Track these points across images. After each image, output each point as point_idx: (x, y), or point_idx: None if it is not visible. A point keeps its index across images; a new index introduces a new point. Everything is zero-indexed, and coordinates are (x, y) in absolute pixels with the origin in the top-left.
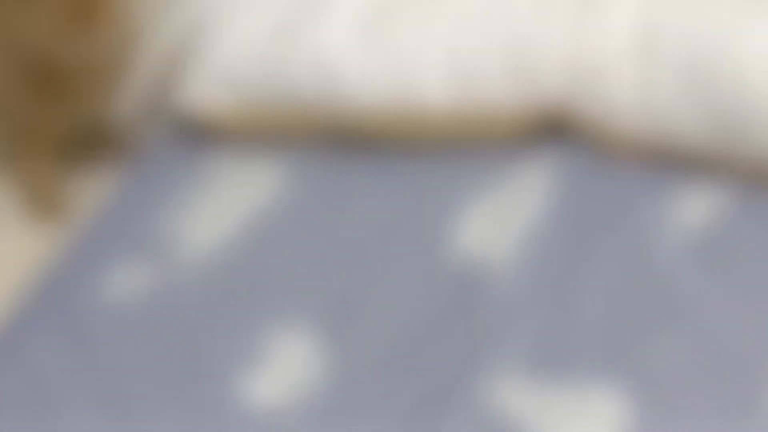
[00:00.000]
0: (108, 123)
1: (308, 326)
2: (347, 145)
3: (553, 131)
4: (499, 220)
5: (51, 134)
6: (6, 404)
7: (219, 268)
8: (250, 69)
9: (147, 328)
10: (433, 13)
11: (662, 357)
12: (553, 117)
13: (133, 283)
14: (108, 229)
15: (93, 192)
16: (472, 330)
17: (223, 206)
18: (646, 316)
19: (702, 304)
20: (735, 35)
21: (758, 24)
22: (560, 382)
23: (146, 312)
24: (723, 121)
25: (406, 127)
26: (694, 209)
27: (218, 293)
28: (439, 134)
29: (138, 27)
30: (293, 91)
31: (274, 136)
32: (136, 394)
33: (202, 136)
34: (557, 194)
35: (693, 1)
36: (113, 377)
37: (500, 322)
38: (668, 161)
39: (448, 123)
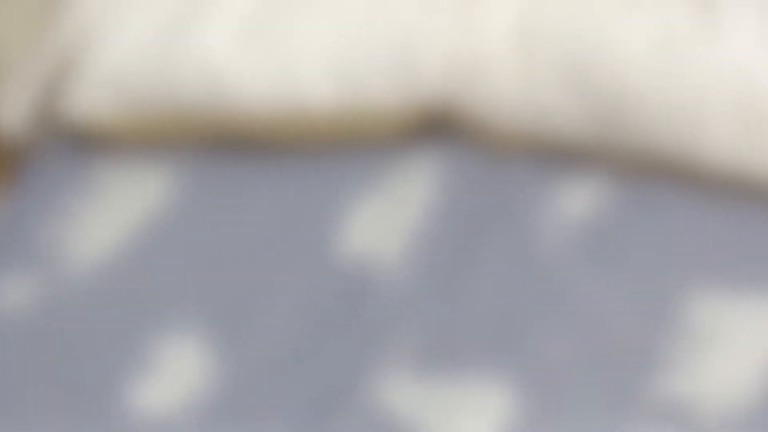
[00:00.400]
0: None
1: (197, 332)
2: (235, 148)
3: (437, 129)
4: (387, 220)
5: None
6: None
7: (107, 277)
8: (135, 74)
9: (34, 339)
10: (316, 14)
11: (547, 349)
12: (437, 115)
13: (20, 295)
14: None
15: None
16: (361, 331)
17: (112, 214)
18: (532, 309)
19: (586, 295)
20: (611, 30)
21: (633, 19)
22: (447, 379)
23: (33, 323)
24: (602, 114)
25: (291, 128)
26: (577, 201)
27: (107, 302)
28: (324, 135)
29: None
30: (178, 95)
31: (161, 141)
32: (24, 406)
33: (88, 144)
34: (443, 192)
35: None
36: (1, 387)
37: (388, 322)
38: (551, 155)
39: (333, 124)
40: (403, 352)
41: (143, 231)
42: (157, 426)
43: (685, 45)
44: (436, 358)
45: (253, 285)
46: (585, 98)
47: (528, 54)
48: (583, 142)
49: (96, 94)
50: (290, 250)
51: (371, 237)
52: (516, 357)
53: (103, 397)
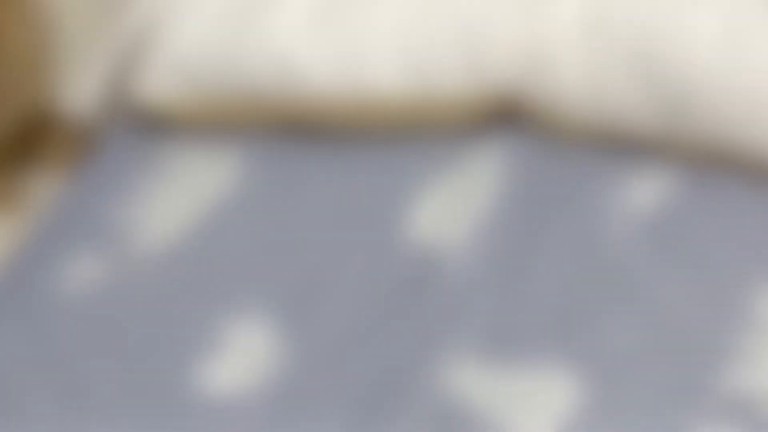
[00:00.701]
0: (62, 115)
1: (264, 314)
2: (302, 133)
3: (504, 117)
4: (452, 206)
5: None
6: None
7: (175, 258)
8: (205, 58)
9: (104, 319)
10: (385, 2)
11: (613, 339)
12: (505, 103)
13: (90, 276)
14: (64, 221)
15: (50, 185)
16: (426, 316)
17: (179, 196)
18: (597, 299)
19: (652, 286)
20: (678, 20)
21: (700, 9)
22: (513, 366)
23: (103, 304)
24: (670, 105)
25: (359, 114)
26: (643, 192)
27: (175, 283)
28: (392, 121)
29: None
30: (247, 80)
31: (230, 125)
32: (93, 386)
33: (158, 128)
34: (509, 180)
35: None
36: (71, 370)
37: (453, 308)
38: (618, 145)
39: (401, 110)
40: (466, 339)
41: (211, 213)
42: (223, 407)
43: (752, 35)
44: (500, 346)
45: (320, 268)
46: (652, 88)
47: (595, 43)
48: (650, 132)
49: (166, 78)
50: (357, 234)
51: (437, 223)
52: (581, 347)
53: (170, 378)
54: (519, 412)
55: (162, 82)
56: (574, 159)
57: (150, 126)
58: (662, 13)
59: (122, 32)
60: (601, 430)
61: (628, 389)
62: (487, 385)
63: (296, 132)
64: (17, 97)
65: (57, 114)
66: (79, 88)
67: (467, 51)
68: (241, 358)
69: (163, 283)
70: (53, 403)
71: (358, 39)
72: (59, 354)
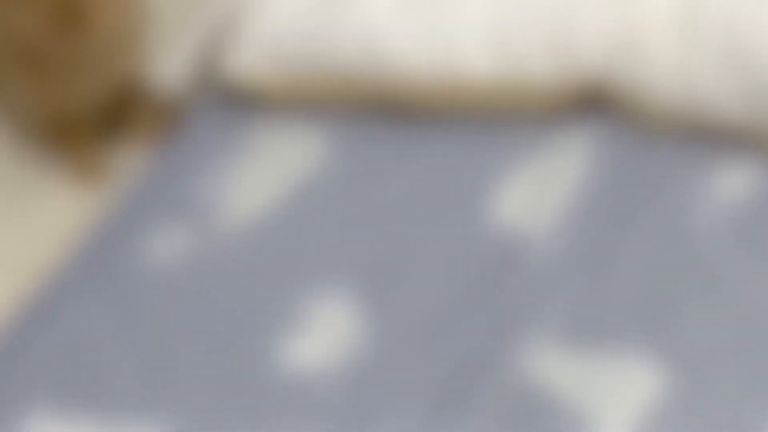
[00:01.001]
0: (151, 90)
1: (347, 293)
2: (388, 113)
3: (592, 105)
4: (537, 192)
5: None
6: (47, 369)
7: (260, 234)
8: (294, 37)
9: (188, 292)
10: None
11: (696, 330)
12: (593, 90)
13: (175, 248)
14: (150, 194)
15: (137, 158)
16: (509, 300)
17: (265, 173)
18: (682, 290)
19: (736, 279)
20: None
21: None
22: (595, 353)
23: (187, 277)
24: (760, 97)
25: (446, 96)
26: (731, 184)
27: (259, 259)
28: (479, 105)
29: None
30: (336, 59)
31: (317, 104)
32: (177, 358)
33: (245, 104)
34: (595, 167)
35: None
36: (154, 342)
37: (536, 294)
38: (707, 136)
39: (488, 94)
40: (549, 326)
41: (296, 191)
42: (305, 384)
43: None
44: (582, 334)
45: (402, 249)
46: (742, 80)
47: (686, 33)
48: (739, 124)
49: (255, 55)
50: (441, 217)
51: (522, 209)
52: (664, 338)
53: (251, 352)
54: (600, 400)
55: (251, 59)
56: (661, 148)
57: (238, 103)
58: (755, 4)
59: (213, 10)
60: (683, 421)
61: (710, 382)
62: (569, 372)
63: (382, 112)
64: (112, 73)
65: (147, 89)
66: (169, 64)
67: (557, 37)
68: (324, 336)
69: (248, 258)
70: (138, 377)
71: (447, 21)
72: (144, 327)
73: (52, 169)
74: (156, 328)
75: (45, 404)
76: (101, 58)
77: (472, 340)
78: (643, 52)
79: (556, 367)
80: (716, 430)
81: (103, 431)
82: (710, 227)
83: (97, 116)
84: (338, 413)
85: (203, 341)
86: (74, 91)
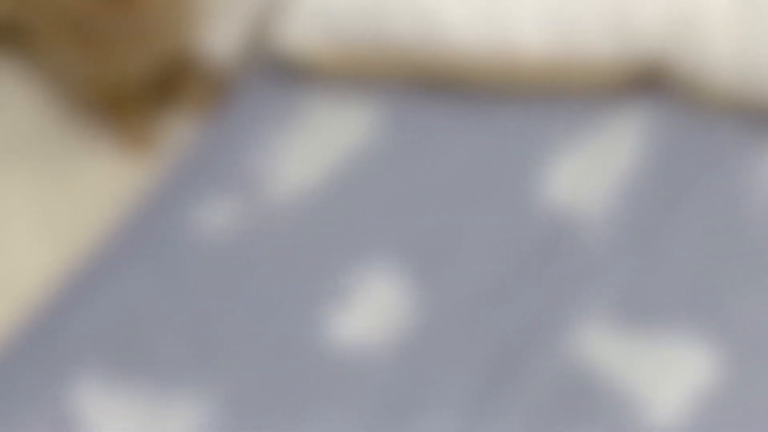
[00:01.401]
0: (202, 61)
1: (396, 268)
2: (441, 88)
3: (648, 84)
4: (590, 171)
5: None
6: (95, 339)
7: (309, 207)
8: (347, 9)
9: (236, 264)
10: None
11: (749, 313)
12: (649, 70)
13: (223, 220)
14: (199, 165)
15: (187, 129)
16: (559, 279)
17: (314, 146)
18: (735, 271)
19: None
20: None
21: None
22: (646, 335)
23: (235, 248)
24: None
25: (501, 72)
26: None
27: (307, 232)
28: (534, 82)
29: None
30: (389, 32)
31: (368, 77)
32: (224, 331)
33: (296, 76)
34: (650, 147)
35: None
36: (202, 313)
37: (587, 273)
38: (764, 117)
39: (544, 71)
40: (599, 305)
41: (345, 164)
42: (351, 358)
43: None
44: (634, 315)
45: (452, 226)
46: None
47: (747, 13)
48: None
49: (307, 27)
50: (491, 193)
51: (574, 187)
52: (717, 319)
53: (299, 326)
54: (651, 382)
55: (303, 31)
56: (717, 130)
57: (289, 75)
58: None
59: None
60: (735, 403)
61: (762, 364)
62: (619, 353)
63: (435, 87)
64: (163, 45)
65: (198, 60)
66: (220, 35)
67: (615, 15)
68: (372, 311)
69: (295, 231)
70: (185, 349)
71: None
72: (191, 299)
73: (101, 139)
74: (203, 299)
75: (92, 374)
76: (152, 31)
77: (522, 320)
78: (703, 31)
79: (607, 348)
80: None
81: (150, 402)
82: (765, 209)
83: (148, 88)
84: (385, 389)
85: (250, 314)
86: (125, 64)
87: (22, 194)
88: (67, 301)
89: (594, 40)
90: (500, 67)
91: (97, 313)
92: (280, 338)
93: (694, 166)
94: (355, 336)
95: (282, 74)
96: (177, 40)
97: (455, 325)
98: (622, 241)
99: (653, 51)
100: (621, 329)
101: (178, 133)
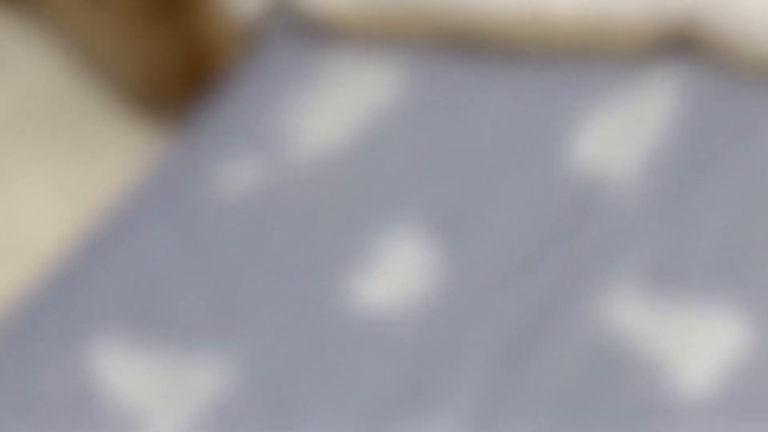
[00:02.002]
0: (227, 21)
1: (421, 230)
2: (468, 48)
3: (681, 46)
4: (620, 134)
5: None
6: (115, 297)
7: (333, 167)
8: None
9: (258, 225)
10: None
11: None
12: (681, 32)
13: (246, 180)
14: (221, 124)
15: (209, 90)
16: (587, 245)
17: (339, 106)
18: (767, 238)
19: None
20: None
21: None
22: (676, 302)
23: (257, 209)
24: None
25: (530, 33)
26: None
27: (330, 193)
28: (563, 43)
29: None
30: None
31: (393, 36)
32: (245, 291)
33: (321, 35)
34: (681, 111)
35: None
36: (223, 274)
37: (616, 239)
38: None
39: (574, 33)
40: (629, 272)
41: (370, 125)
42: (374, 321)
43: None
44: (664, 281)
45: (477, 189)
46: None
47: None
48: None
49: None
50: (518, 156)
51: (603, 151)
52: (749, 287)
53: (321, 288)
54: (681, 350)
55: None
56: (750, 93)
57: (314, 33)
58: None
59: None
60: (766, 372)
61: None
62: (649, 321)
63: (462, 47)
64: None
65: (222, 18)
66: None
67: None
68: (396, 273)
69: (319, 192)
70: (206, 309)
71: None
72: (213, 259)
73: (122, 100)
74: (224, 260)
75: (111, 333)
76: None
77: (550, 285)
78: None
79: (636, 315)
80: None
81: (169, 362)
82: None
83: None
84: (409, 353)
85: (272, 276)
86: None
87: (42, 155)
88: (86, 259)
89: (625, 1)
90: (529, 28)
91: (117, 272)
92: (301, 301)
93: (726, 130)
94: (378, 300)
95: (307, 33)
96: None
97: (481, 291)
98: (653, 206)
99: (685, 12)
100: (651, 296)
101: (202, 94)
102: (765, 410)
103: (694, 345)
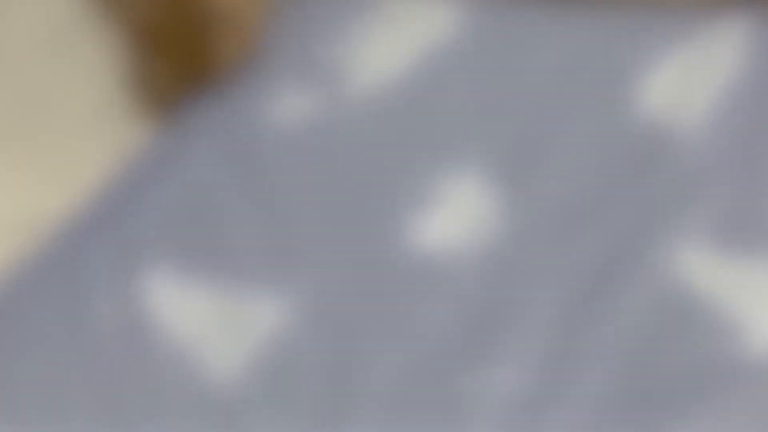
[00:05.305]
0: None
1: (482, 171)
2: None
3: None
4: (690, 81)
5: None
6: (169, 228)
7: (390, 104)
8: None
9: (313, 160)
10: None
11: None
12: None
13: (302, 113)
14: (276, 57)
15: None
16: (655, 194)
17: (398, 40)
18: None
19: None
20: None
21: None
22: (746, 255)
23: (314, 144)
24: None
25: None
26: None
27: (388, 129)
28: None
29: None
30: None
31: None
32: (300, 228)
33: None
34: (750, 61)
35: None
36: (277, 209)
37: (686, 190)
38: None
39: None
40: (697, 223)
41: (429, 61)
42: (433, 263)
43: None
44: (734, 234)
45: (541, 132)
46: None
47: None
48: None
49: None
50: (583, 101)
51: (670, 99)
52: None
53: (378, 227)
54: (751, 303)
55: None
56: None
57: None
58: None
59: None
60: None
61: None
62: (718, 273)
63: None
64: None
65: None
66: None
67: None
68: (456, 215)
69: (376, 128)
70: (260, 245)
71: None
72: (267, 194)
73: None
74: (280, 194)
75: (165, 264)
76: None
77: (616, 233)
78: None
79: (706, 268)
80: None
81: (224, 296)
82: None
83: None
84: (470, 297)
85: (328, 213)
86: None
87: (87, 76)
88: (137, 188)
89: None
90: None
91: (170, 202)
92: (359, 239)
93: None
94: (438, 241)
95: None
96: None
97: (544, 236)
98: (723, 158)
99: None
100: (720, 249)
101: (259, 26)
102: None
103: (763, 299)
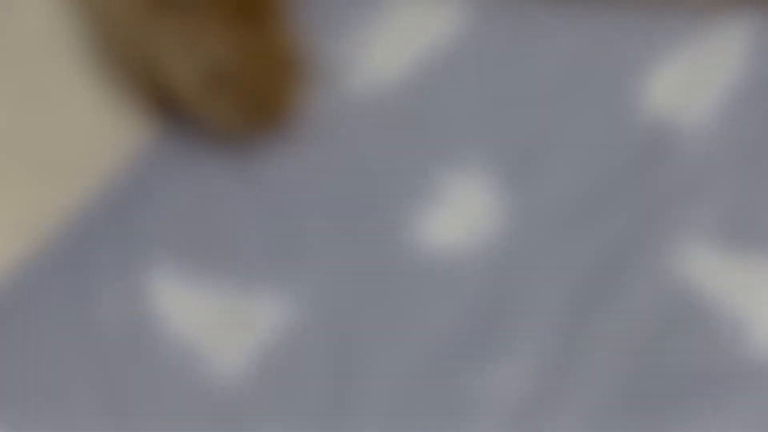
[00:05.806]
0: None
1: (485, 171)
2: None
3: None
4: (694, 81)
5: None
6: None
7: (394, 101)
8: None
9: (317, 158)
10: None
11: None
12: None
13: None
14: None
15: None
16: (659, 191)
17: (401, 39)
18: None
19: None
20: None
21: None
22: (751, 255)
23: (316, 141)
24: None
25: None
26: None
27: (392, 126)
28: None
29: None
30: None
31: None
32: (305, 228)
33: None
34: (757, 59)
35: None
36: (281, 207)
37: (689, 188)
38: None
39: None
40: (702, 221)
41: (433, 58)
42: (436, 262)
43: None
44: (738, 233)
45: (545, 128)
46: None
47: None
48: None
49: None
50: (586, 98)
51: (676, 97)
52: None
53: (382, 227)
54: (755, 303)
55: None
56: None
57: None
58: None
59: None
60: None
61: None
62: (722, 273)
63: None
64: None
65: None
66: None
67: None
68: (458, 214)
69: (380, 125)
70: (265, 244)
71: None
72: (272, 193)
73: None
74: (284, 194)
75: (169, 261)
76: None
77: (620, 230)
78: None
79: (710, 267)
80: None
81: (229, 294)
82: None
83: None
84: (474, 294)
85: (332, 212)
86: None
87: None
88: (142, 186)
89: None
90: None
91: (174, 201)
92: (364, 237)
93: None
94: (442, 239)
95: None
96: None
97: (549, 233)
98: (728, 154)
99: None
100: (724, 248)
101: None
102: None
103: (766, 298)
